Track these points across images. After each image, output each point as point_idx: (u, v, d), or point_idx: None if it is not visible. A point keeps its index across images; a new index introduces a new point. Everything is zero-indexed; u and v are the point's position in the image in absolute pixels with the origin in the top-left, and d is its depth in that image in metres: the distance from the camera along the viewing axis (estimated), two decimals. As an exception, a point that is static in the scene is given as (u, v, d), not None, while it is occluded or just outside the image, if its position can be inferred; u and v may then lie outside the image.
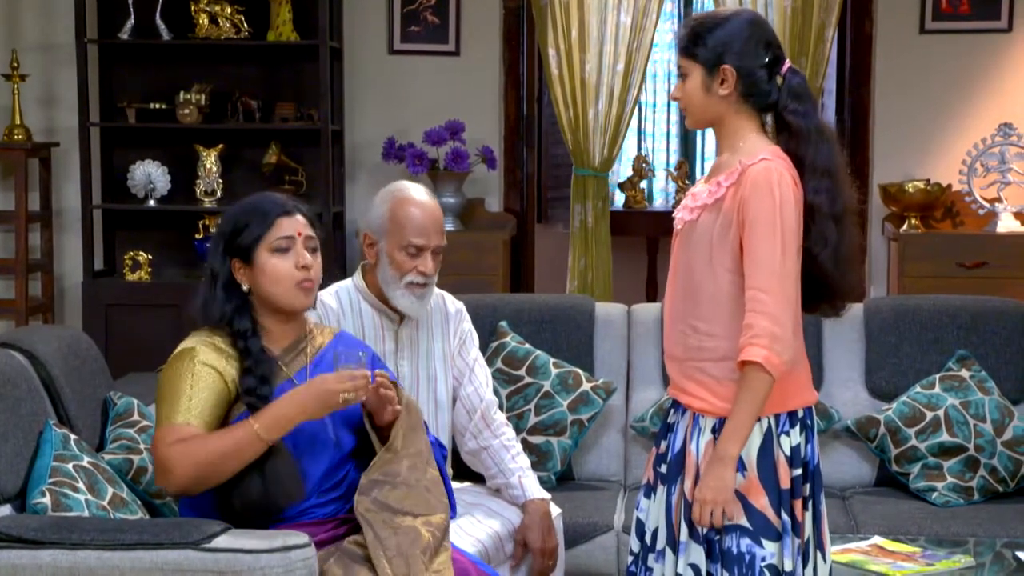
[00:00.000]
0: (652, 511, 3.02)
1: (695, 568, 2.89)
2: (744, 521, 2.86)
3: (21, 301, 5.82)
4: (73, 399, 3.46)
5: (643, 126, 9.12)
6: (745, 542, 2.86)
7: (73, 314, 6.08)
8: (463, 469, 3.88)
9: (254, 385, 2.98)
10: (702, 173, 8.90)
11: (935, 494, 4.15)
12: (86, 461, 3.22)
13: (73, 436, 3.30)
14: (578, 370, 4.38)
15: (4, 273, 6.06)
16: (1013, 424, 4.20)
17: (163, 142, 6.02)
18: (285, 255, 3.04)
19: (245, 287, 3.06)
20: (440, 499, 3.07)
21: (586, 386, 4.34)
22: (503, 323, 4.45)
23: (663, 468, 2.99)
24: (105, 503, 3.14)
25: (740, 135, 2.90)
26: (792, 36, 5.85)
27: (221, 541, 2.76)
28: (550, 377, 4.33)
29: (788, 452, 2.88)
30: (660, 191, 8.98)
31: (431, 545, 2.95)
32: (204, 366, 2.99)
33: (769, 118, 2.93)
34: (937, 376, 4.28)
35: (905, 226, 5.78)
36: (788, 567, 2.86)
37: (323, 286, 3.53)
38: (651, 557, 2.99)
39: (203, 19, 5.85)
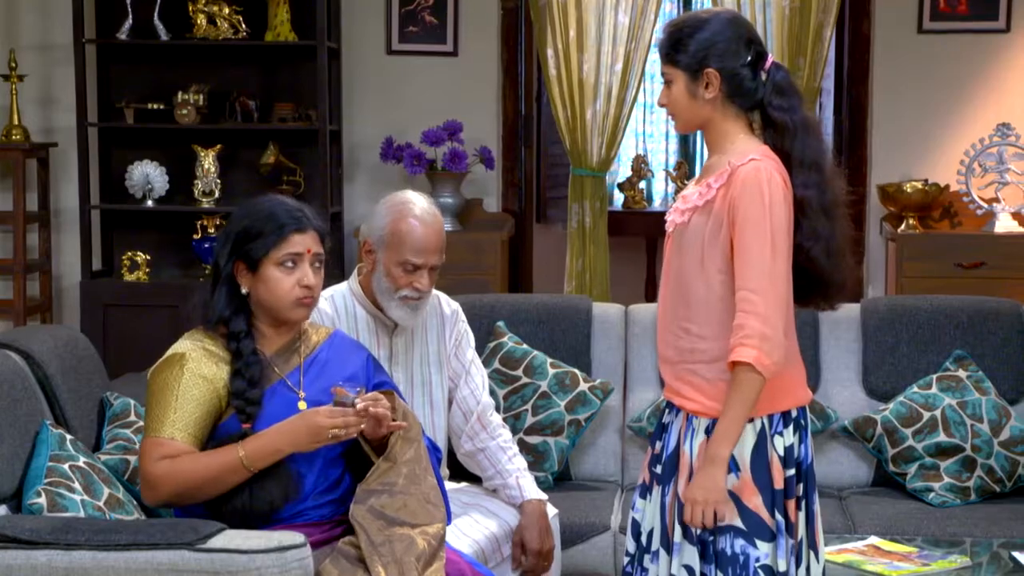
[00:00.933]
0: (648, 511, 3.02)
1: (689, 569, 2.89)
2: (738, 522, 2.86)
3: (19, 301, 5.82)
4: (69, 399, 3.46)
5: (642, 127, 9.12)
6: (739, 543, 2.86)
7: (71, 314, 6.08)
8: (460, 469, 3.88)
9: (243, 388, 2.99)
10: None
11: (932, 494, 4.15)
12: (82, 461, 3.22)
13: (69, 436, 3.30)
14: (575, 370, 4.38)
15: (2, 273, 6.07)
16: (1010, 424, 4.21)
17: (161, 142, 6.02)
18: (291, 271, 3.05)
19: (244, 290, 3.07)
20: (438, 508, 3.07)
21: (583, 386, 4.35)
22: (500, 323, 4.45)
23: (658, 469, 2.99)
24: (101, 503, 3.14)
25: (729, 137, 2.90)
26: (790, 36, 5.84)
27: (216, 541, 2.76)
28: (547, 377, 4.34)
29: (782, 452, 2.88)
30: (659, 191, 8.99)
31: (426, 553, 2.95)
32: (193, 376, 3.00)
33: (756, 116, 2.92)
34: (934, 376, 4.29)
35: (903, 226, 5.78)
36: (782, 567, 2.86)
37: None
38: (647, 558, 2.99)
39: (201, 19, 5.85)
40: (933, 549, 3.62)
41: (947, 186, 5.82)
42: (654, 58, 8.50)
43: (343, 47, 6.03)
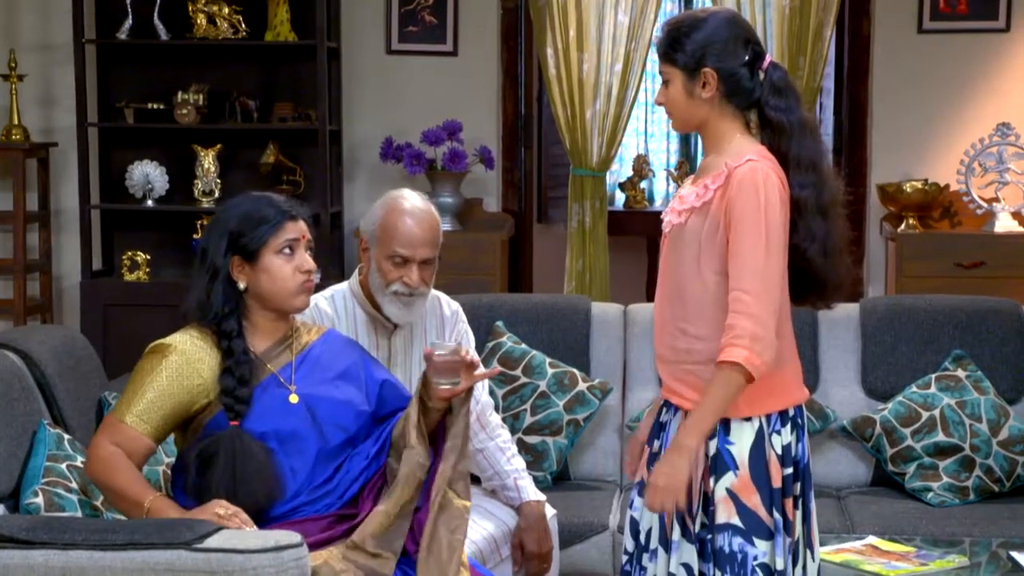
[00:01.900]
0: (646, 510, 3.02)
1: (687, 567, 2.89)
2: (736, 520, 2.86)
3: (19, 301, 5.82)
4: (67, 399, 3.47)
5: (643, 126, 9.12)
6: (737, 541, 2.86)
7: (71, 314, 6.09)
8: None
9: (232, 386, 3.00)
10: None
11: (930, 494, 4.15)
12: (79, 461, 3.23)
13: (67, 436, 3.31)
14: (574, 370, 4.38)
15: (2, 273, 6.07)
16: (1009, 424, 4.21)
17: (161, 142, 6.02)
18: (290, 258, 3.08)
19: (242, 285, 3.08)
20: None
21: (582, 386, 4.35)
22: (499, 323, 4.45)
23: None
24: (98, 503, 3.15)
25: (726, 136, 2.90)
26: (790, 35, 5.84)
27: (213, 541, 2.75)
28: (546, 377, 4.34)
29: (779, 451, 2.88)
30: (660, 191, 8.98)
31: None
32: (172, 369, 3.00)
33: (753, 115, 2.92)
34: (933, 376, 4.29)
35: (903, 226, 5.78)
36: (779, 566, 2.86)
37: (319, 288, 3.54)
38: (645, 556, 2.99)
39: (201, 19, 5.86)
40: (931, 549, 3.62)
41: (947, 186, 5.82)
42: (654, 58, 8.52)
43: (343, 47, 6.03)
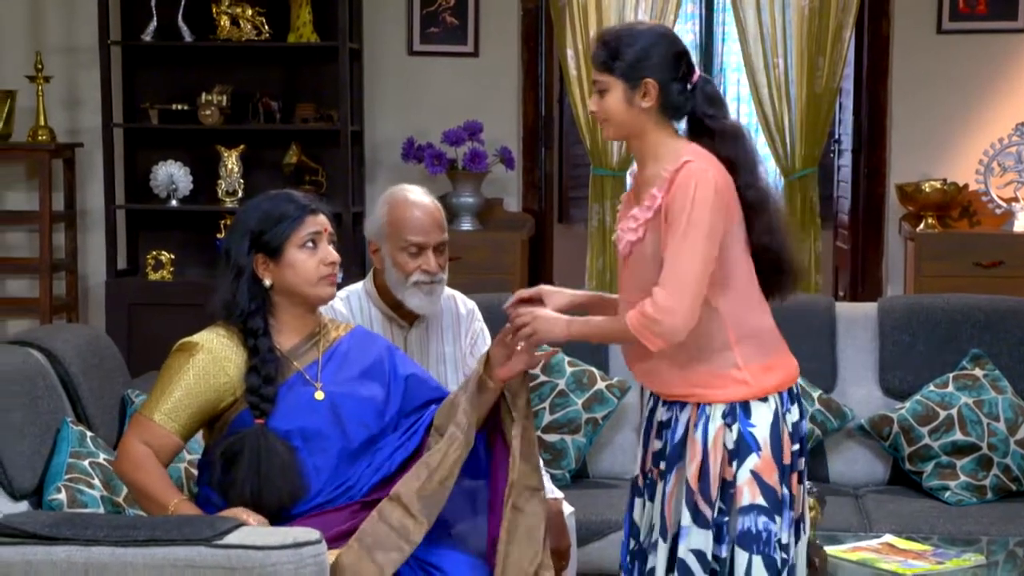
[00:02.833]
0: (648, 509, 3.02)
1: (698, 553, 2.89)
2: (761, 500, 2.88)
3: (45, 300, 5.85)
4: (91, 397, 3.49)
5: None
6: (762, 520, 2.88)
7: (97, 313, 6.11)
8: (477, 467, 3.89)
9: (258, 384, 3.01)
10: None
11: (948, 493, 4.14)
12: (102, 458, 3.25)
13: (90, 433, 3.33)
14: (592, 368, 4.38)
15: (29, 272, 6.10)
16: (1027, 423, 4.19)
17: (185, 143, 6.05)
18: (313, 251, 3.09)
19: (268, 282, 3.09)
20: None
21: (600, 385, 4.35)
22: (518, 322, 4.45)
23: (663, 465, 2.99)
24: (120, 499, 3.16)
25: (660, 143, 2.95)
26: (809, 36, 5.83)
27: (233, 538, 2.76)
28: (565, 375, 4.34)
29: (791, 428, 2.95)
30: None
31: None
32: (199, 368, 3.02)
33: (681, 124, 2.99)
34: (951, 375, 4.27)
35: (922, 225, 5.76)
36: (785, 540, 2.91)
37: (340, 286, 3.55)
38: (647, 553, 3.01)
39: (224, 21, 5.87)
40: (948, 547, 3.61)
41: (966, 185, 5.79)
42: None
43: (365, 48, 6.04)
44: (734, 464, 2.89)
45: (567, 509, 3.72)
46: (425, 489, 2.96)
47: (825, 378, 4.36)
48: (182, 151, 6.03)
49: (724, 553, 2.90)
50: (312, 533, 2.82)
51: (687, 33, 8.71)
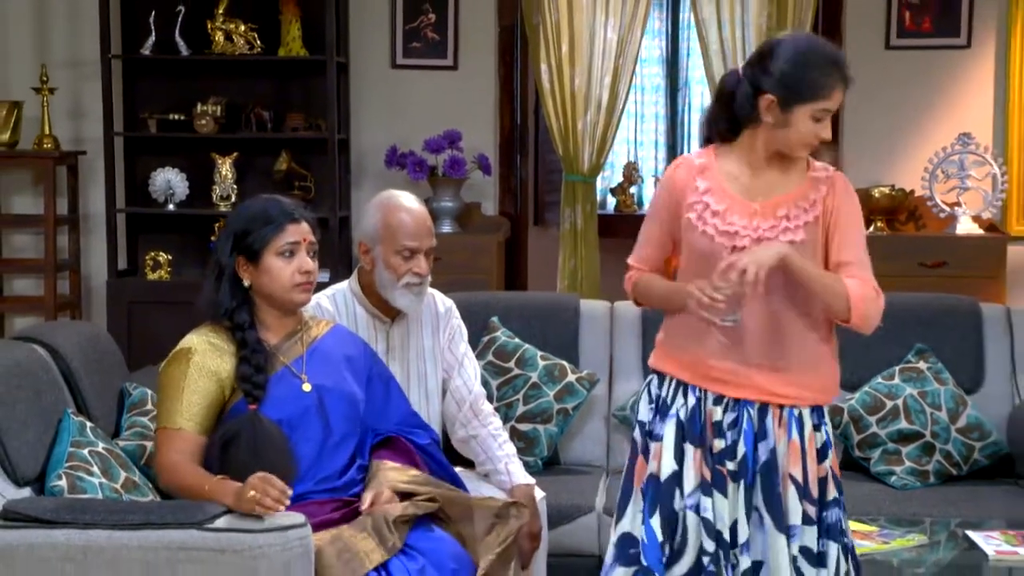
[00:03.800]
0: (725, 507, 2.93)
1: (806, 550, 2.90)
2: (836, 493, 2.96)
3: (50, 298, 5.83)
4: (91, 390, 3.47)
5: (633, 136, 9.11)
6: (837, 511, 2.96)
7: (99, 311, 6.10)
8: (454, 455, 3.88)
9: (250, 373, 3.03)
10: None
11: (894, 477, 4.16)
12: (101, 447, 3.24)
13: (89, 424, 3.32)
14: (564, 362, 4.39)
15: (34, 272, 6.09)
16: (966, 412, 4.21)
17: (182, 150, 6.03)
18: (289, 260, 3.09)
19: (246, 283, 3.10)
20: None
21: (571, 377, 4.35)
22: (494, 318, 4.46)
23: (731, 466, 2.93)
24: (118, 486, 3.15)
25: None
26: (767, 51, 5.84)
27: (222, 522, 2.77)
28: (537, 369, 4.34)
29: None
30: (648, 196, 8.98)
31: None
32: (199, 369, 3.04)
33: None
34: (897, 368, 4.29)
35: (871, 228, 5.78)
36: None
37: (327, 285, 3.55)
38: (733, 553, 2.93)
39: (219, 36, 5.86)
40: (894, 528, 3.63)
41: (912, 191, 5.82)
42: (650, 71, 8.59)
43: (351, 61, 6.03)
44: (824, 463, 2.95)
45: (539, 494, 3.73)
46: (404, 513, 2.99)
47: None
48: (179, 158, 6.01)
49: (822, 546, 2.93)
50: (298, 517, 2.83)
51: (655, 48, 8.73)
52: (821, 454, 2.95)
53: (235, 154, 5.91)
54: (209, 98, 5.90)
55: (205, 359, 3.04)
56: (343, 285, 3.66)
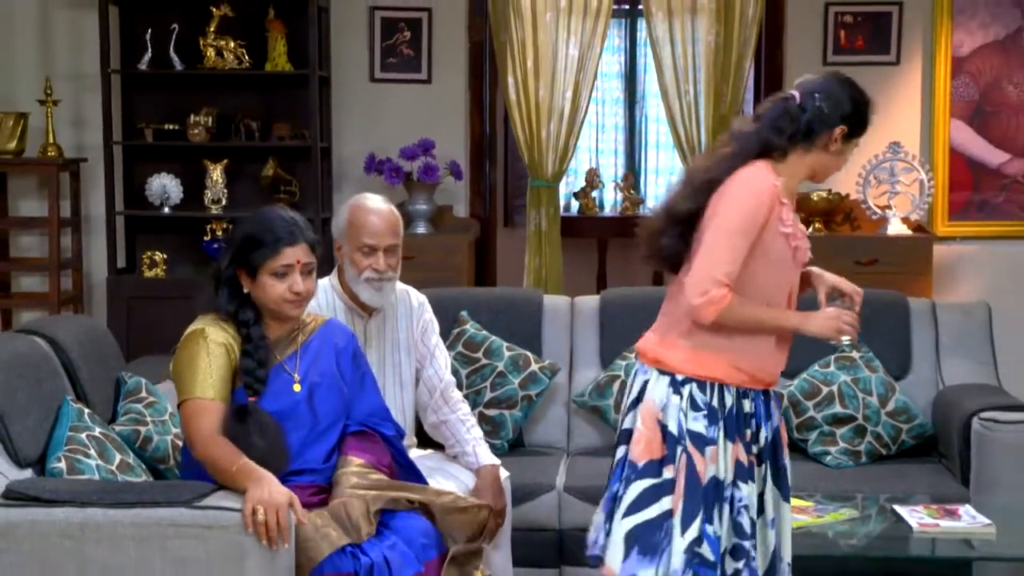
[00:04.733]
0: (753, 490, 2.94)
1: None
2: None
3: (54, 295, 5.80)
4: (88, 379, 3.47)
5: (595, 144, 9.11)
6: None
7: (99, 306, 6.07)
8: (426, 439, 3.89)
9: (252, 367, 2.99)
10: (645, 185, 8.92)
11: (829, 457, 4.18)
12: (98, 431, 3.23)
13: (87, 410, 3.31)
14: (527, 353, 4.40)
15: (40, 270, 6.05)
16: (895, 397, 4.25)
17: (176, 158, 6.00)
18: (283, 279, 3.04)
19: (245, 290, 3.07)
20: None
21: (534, 367, 4.36)
22: (464, 312, 4.46)
23: (755, 449, 2.96)
24: (113, 467, 3.15)
25: None
26: (715, 67, 5.87)
27: (209, 500, 2.77)
28: (503, 359, 4.35)
29: None
30: (609, 199, 8.98)
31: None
32: (216, 344, 2.98)
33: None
34: (832, 357, 4.32)
35: (810, 229, 5.80)
36: None
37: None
38: (766, 529, 2.99)
39: (210, 52, 5.84)
40: (828, 503, 3.65)
41: (848, 195, 5.84)
42: (609, 86, 8.59)
43: (332, 76, 6.02)
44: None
45: (503, 474, 3.75)
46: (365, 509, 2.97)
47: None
48: (173, 165, 5.98)
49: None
50: (279, 496, 2.81)
51: (614, 64, 8.73)
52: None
53: (225, 161, 5.89)
54: (201, 109, 5.87)
55: (216, 335, 3.01)
56: (324, 281, 3.66)
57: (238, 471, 2.81)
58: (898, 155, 5.75)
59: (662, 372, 2.92)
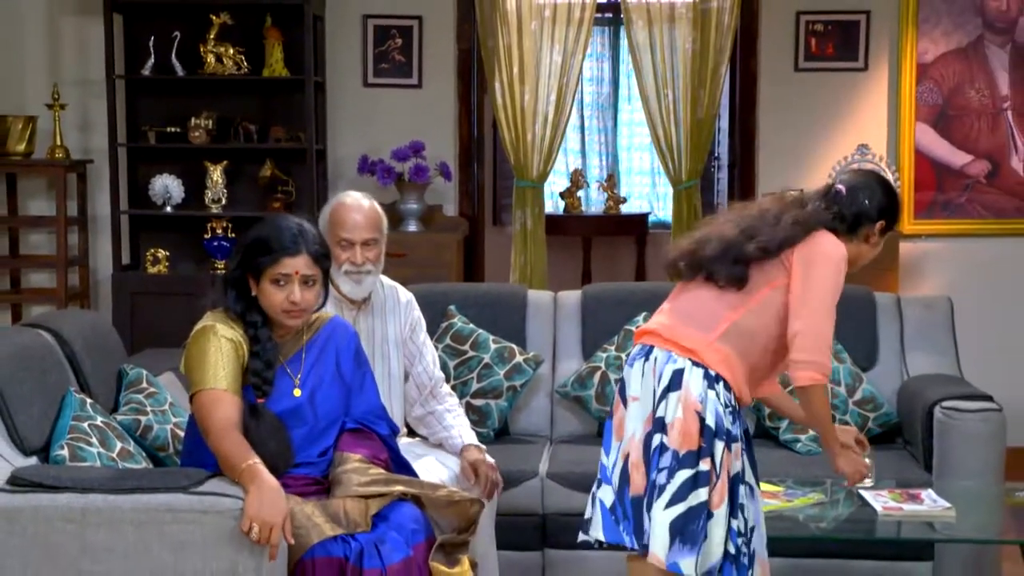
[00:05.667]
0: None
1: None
2: None
3: (61, 290, 5.78)
4: (91, 371, 3.45)
5: (580, 146, 9.11)
6: None
7: (105, 301, 6.05)
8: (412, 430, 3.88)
9: (260, 368, 2.96)
10: (628, 185, 8.93)
11: (799, 444, 4.19)
12: (99, 421, 3.22)
13: (90, 400, 3.30)
14: (512, 345, 4.40)
15: (48, 267, 6.02)
16: (862, 387, 4.25)
17: (178, 159, 5.98)
18: (281, 288, 2.99)
19: (253, 293, 3.03)
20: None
21: (519, 358, 4.36)
22: (452, 306, 4.46)
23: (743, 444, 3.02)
24: (114, 455, 3.14)
25: None
26: (693, 72, 5.86)
27: (206, 487, 2.75)
28: (489, 351, 4.35)
29: None
30: (593, 199, 8.99)
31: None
32: (226, 340, 2.94)
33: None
34: (802, 349, 4.31)
35: (784, 227, 5.79)
36: None
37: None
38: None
39: (210, 58, 5.82)
40: (798, 488, 3.65)
41: (819, 194, 5.83)
42: (593, 90, 8.60)
43: (327, 81, 6.00)
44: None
45: (489, 460, 3.73)
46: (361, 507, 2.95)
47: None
48: (175, 166, 5.96)
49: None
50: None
51: (597, 69, 8.74)
52: None
53: (225, 162, 5.87)
54: (202, 113, 5.85)
55: (226, 332, 2.97)
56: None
57: (246, 470, 2.76)
58: (866, 156, 5.75)
59: (695, 364, 2.93)
